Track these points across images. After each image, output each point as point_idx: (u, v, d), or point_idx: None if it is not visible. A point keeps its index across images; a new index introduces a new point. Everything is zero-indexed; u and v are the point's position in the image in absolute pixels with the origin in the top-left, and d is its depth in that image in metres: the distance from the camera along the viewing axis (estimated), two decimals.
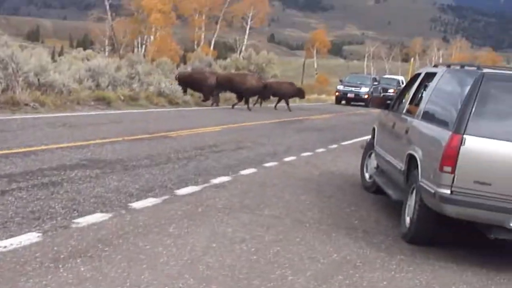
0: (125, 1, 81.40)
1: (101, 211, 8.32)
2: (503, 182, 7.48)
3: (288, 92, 33.28)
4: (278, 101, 33.36)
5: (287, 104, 32.85)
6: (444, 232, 8.61)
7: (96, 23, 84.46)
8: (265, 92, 30.77)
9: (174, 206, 9.00)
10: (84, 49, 64.02)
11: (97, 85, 26.38)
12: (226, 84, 30.50)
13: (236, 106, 30.37)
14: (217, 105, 30.53)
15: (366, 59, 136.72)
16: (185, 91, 31.39)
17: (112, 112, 22.22)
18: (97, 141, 14.47)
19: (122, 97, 25.45)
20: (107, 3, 72.03)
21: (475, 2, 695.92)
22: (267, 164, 13.68)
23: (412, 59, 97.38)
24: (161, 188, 10.10)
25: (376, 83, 47.06)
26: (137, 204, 8.86)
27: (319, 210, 9.82)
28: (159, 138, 16.17)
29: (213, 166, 12.73)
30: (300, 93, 34.40)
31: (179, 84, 31.47)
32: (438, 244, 8.45)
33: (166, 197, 9.50)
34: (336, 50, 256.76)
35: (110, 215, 8.18)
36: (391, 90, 47.98)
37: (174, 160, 12.98)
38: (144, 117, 21.88)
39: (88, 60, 34.39)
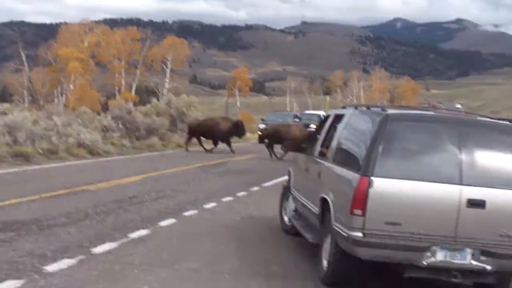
0: (42, 51, 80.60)
1: (14, 278, 8.07)
2: (413, 221, 7.59)
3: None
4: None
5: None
6: (361, 273, 8.66)
7: (13, 75, 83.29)
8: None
9: (90, 266, 8.81)
10: (3, 102, 62.90)
11: (15, 141, 25.86)
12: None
13: (156, 152, 30.52)
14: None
15: (288, 95, 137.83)
16: (199, 140, 33.41)
17: (31, 167, 21.75)
18: (13, 200, 14.08)
19: (40, 151, 24.97)
20: (23, 54, 71.23)
21: (392, 32, 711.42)
22: (187, 213, 13.56)
23: (327, 97, 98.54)
24: (77, 247, 9.87)
25: (297, 119, 47.38)
26: (51, 267, 8.63)
27: (238, 258, 9.78)
28: (78, 193, 15.89)
29: (132, 219, 12.53)
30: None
31: (189, 133, 33.70)
32: (355, 285, 8.50)
33: (82, 257, 9.28)
34: (258, 87, 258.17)
35: (22, 281, 7.94)
36: (313, 126, 48.32)
37: (92, 215, 12.73)
38: (63, 171, 21.50)
39: (5, 114, 33.74)
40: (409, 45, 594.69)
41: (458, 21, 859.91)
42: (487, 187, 7.73)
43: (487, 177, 7.81)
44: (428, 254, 7.59)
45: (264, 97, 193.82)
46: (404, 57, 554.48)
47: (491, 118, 9.00)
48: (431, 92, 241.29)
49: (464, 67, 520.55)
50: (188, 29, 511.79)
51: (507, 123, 8.56)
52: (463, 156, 7.80)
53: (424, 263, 7.58)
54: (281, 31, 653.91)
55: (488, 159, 7.97)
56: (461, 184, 7.66)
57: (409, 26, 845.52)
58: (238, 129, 33.05)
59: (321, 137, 10.61)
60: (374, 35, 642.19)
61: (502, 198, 7.75)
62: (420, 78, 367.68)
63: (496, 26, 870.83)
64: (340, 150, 9.11)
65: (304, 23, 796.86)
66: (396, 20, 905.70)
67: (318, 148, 10.49)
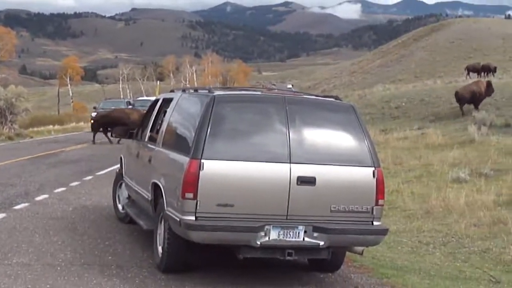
0: None
1: None
2: (245, 201, 7.60)
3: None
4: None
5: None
6: (197, 257, 8.61)
7: None
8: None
9: None
10: None
11: None
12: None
13: None
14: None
15: (121, 82, 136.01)
16: (105, 132, 31.73)
17: None
18: None
19: None
20: None
21: (223, 16, 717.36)
22: (17, 207, 13.01)
23: (158, 82, 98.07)
24: None
25: (130, 106, 46.78)
26: None
27: (71, 250, 9.48)
28: None
29: None
30: None
31: (96, 126, 32.42)
32: (192, 269, 8.45)
33: None
34: (90, 75, 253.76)
35: None
36: None
37: None
38: None
39: None
40: (239, 29, 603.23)
41: (286, 3, 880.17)
42: (316, 164, 7.86)
43: (316, 154, 7.93)
44: (262, 233, 7.62)
45: (97, 85, 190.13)
46: (235, 41, 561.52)
47: (317, 96, 9.16)
48: (263, 74, 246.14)
49: (294, 49, 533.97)
50: (15, 18, 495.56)
51: (332, 100, 8.74)
52: (291, 135, 7.87)
53: (258, 243, 7.59)
54: (111, 18, 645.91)
55: (316, 136, 8.09)
56: (290, 162, 7.73)
57: (238, 10, 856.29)
58: None
59: (150, 122, 10.45)
60: (204, 20, 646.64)
61: (331, 174, 7.90)
62: (252, 61, 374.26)
63: (323, 8, 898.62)
64: (169, 134, 8.99)
65: (134, 9, 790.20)
66: (225, 4, 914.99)
67: (147, 133, 10.33)
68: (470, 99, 36.08)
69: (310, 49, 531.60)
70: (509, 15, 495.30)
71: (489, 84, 36.85)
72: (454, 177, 17.34)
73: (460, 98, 36.20)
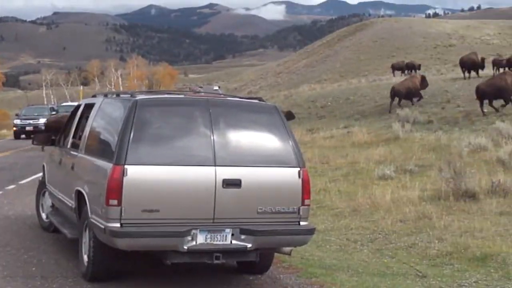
0: None
1: None
2: (171, 206, 7.51)
3: None
4: None
5: None
6: (124, 264, 8.46)
7: None
8: None
9: None
10: None
11: None
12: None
13: None
14: None
15: (44, 88, 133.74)
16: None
17: None
18: None
19: None
20: None
21: (147, 19, 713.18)
22: None
23: (82, 87, 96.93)
24: None
25: (54, 112, 46.07)
26: None
27: None
28: None
29: None
30: None
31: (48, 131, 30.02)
32: (119, 277, 8.31)
33: None
34: (13, 81, 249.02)
35: None
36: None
37: None
38: None
39: None
40: (164, 31, 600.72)
41: (211, 5, 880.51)
42: (241, 166, 7.82)
43: (240, 156, 7.89)
44: (189, 238, 7.52)
45: (20, 92, 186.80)
46: (160, 44, 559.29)
47: (241, 97, 9.12)
48: (189, 77, 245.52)
49: (220, 51, 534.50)
50: None
51: (256, 101, 8.72)
52: (216, 138, 7.81)
53: (185, 247, 7.49)
54: (33, 22, 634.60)
55: (241, 138, 8.05)
56: (215, 165, 7.67)
57: (163, 13, 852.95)
58: None
59: (72, 128, 10.24)
60: (129, 23, 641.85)
61: (257, 175, 7.87)
62: (178, 63, 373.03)
63: (247, 9, 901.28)
64: (92, 140, 8.83)
65: (56, 13, 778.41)
66: (150, 7, 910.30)
67: (70, 139, 10.12)
68: (406, 94, 36.94)
69: (236, 51, 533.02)
70: (429, 14, 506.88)
71: (423, 78, 38.52)
72: (380, 174, 17.57)
73: (396, 93, 36.99)
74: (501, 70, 41.68)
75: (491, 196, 13.55)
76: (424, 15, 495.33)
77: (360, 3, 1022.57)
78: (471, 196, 13.61)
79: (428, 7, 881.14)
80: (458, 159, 16.83)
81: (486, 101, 29.72)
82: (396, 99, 37.10)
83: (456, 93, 37.19)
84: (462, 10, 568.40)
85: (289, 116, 35.92)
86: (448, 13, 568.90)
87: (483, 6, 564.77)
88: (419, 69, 60.71)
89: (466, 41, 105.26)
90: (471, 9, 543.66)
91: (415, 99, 37.28)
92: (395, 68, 65.24)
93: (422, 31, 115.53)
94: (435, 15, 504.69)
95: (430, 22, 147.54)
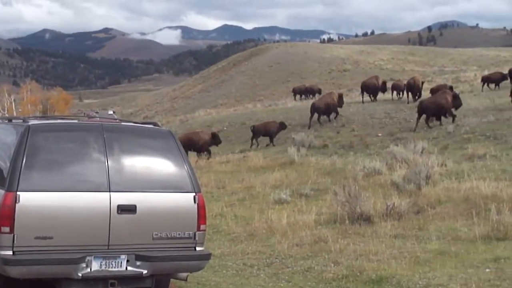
0: None
1: None
2: (65, 233, 7.39)
3: None
4: None
5: None
6: None
7: None
8: None
9: None
10: None
11: None
12: None
13: None
14: None
15: None
16: None
17: None
18: None
19: None
20: None
21: (41, 43, 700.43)
22: None
23: None
24: None
25: None
26: None
27: None
28: None
29: None
30: None
31: None
32: None
33: None
34: None
35: None
36: None
37: None
38: None
39: None
40: (58, 56, 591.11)
41: (106, 30, 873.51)
42: (136, 191, 7.77)
43: (136, 182, 7.85)
44: (83, 265, 7.40)
45: None
46: (54, 68, 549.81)
47: (136, 122, 9.08)
48: (84, 102, 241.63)
49: (115, 75, 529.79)
50: None
51: (151, 126, 8.70)
52: (110, 163, 7.74)
53: (80, 274, 7.36)
54: None
55: (136, 163, 8.01)
56: (110, 191, 7.60)
57: (57, 37, 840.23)
58: None
59: None
60: (22, 47, 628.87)
61: (152, 201, 7.84)
62: (73, 88, 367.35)
63: (143, 34, 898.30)
64: None
65: None
66: (44, 31, 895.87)
67: None
68: (325, 110, 37.99)
69: (132, 76, 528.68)
70: (324, 39, 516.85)
71: (340, 96, 40.11)
72: (276, 198, 17.70)
73: (316, 109, 37.98)
74: (400, 94, 43.28)
75: (386, 219, 13.78)
76: (319, 40, 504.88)
77: (255, 28, 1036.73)
78: (366, 219, 13.85)
79: (323, 32, 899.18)
80: (353, 182, 17.09)
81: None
82: (316, 115, 38.07)
83: (351, 117, 37.94)
84: (356, 36, 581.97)
85: (282, 126, 36.94)
86: (342, 39, 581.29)
87: (376, 32, 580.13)
88: (319, 93, 61.92)
89: (360, 66, 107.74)
90: (365, 34, 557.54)
91: (332, 115, 38.30)
92: (296, 92, 66.50)
93: (317, 56, 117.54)
94: (330, 40, 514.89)
95: (325, 47, 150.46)
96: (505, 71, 47.79)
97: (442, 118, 30.96)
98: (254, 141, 36.82)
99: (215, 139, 34.57)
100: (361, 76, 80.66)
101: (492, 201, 13.41)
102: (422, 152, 22.82)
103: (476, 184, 15.59)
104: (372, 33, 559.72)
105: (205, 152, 33.48)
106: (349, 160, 24.75)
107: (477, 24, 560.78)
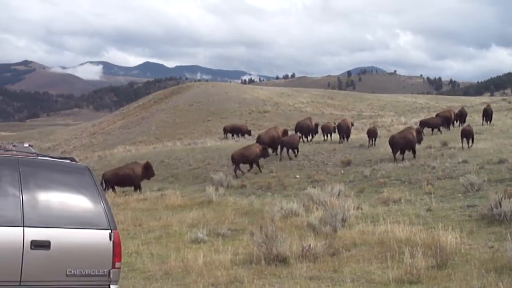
0: None
1: None
2: None
3: None
4: None
5: None
6: None
7: None
8: None
9: None
10: None
11: None
12: None
13: None
14: None
15: None
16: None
17: None
18: None
19: None
20: None
21: None
22: None
23: None
24: None
25: None
26: None
27: None
28: None
29: None
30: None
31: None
32: None
33: None
34: None
35: None
36: None
37: None
38: None
39: None
40: None
41: (26, 62, 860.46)
42: (51, 227, 7.64)
43: (50, 217, 7.72)
44: None
45: None
46: None
47: (52, 157, 8.95)
48: (1, 134, 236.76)
49: (34, 109, 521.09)
50: None
51: (68, 161, 8.59)
52: (25, 197, 7.61)
53: None
54: None
55: (51, 199, 7.89)
56: (23, 226, 7.46)
57: None
58: None
59: None
60: None
61: (67, 237, 7.72)
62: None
63: (64, 68, 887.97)
64: None
65: None
66: None
67: None
68: (269, 143, 39.57)
69: (51, 109, 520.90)
70: (245, 80, 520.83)
71: (285, 131, 42.43)
72: (193, 237, 17.62)
73: (260, 142, 39.39)
74: (328, 135, 44.54)
75: (302, 260, 13.84)
76: (240, 81, 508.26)
77: (177, 67, 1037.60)
78: (282, 260, 13.89)
79: (244, 73, 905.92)
80: (270, 223, 17.16)
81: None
82: None
83: (269, 159, 38.16)
84: (277, 78, 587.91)
85: (265, 152, 36.79)
86: (263, 80, 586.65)
87: (297, 75, 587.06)
88: (249, 134, 62.77)
89: (280, 108, 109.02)
90: (286, 77, 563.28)
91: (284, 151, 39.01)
92: (227, 130, 67.46)
93: (237, 96, 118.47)
94: (251, 81, 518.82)
95: (246, 88, 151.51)
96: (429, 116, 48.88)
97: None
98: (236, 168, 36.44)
99: (147, 172, 34.54)
100: (281, 118, 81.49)
101: (406, 245, 13.63)
102: (338, 195, 23.10)
103: (390, 228, 15.85)
104: (293, 75, 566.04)
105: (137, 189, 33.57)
106: (267, 201, 24.89)
107: (395, 71, 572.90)
